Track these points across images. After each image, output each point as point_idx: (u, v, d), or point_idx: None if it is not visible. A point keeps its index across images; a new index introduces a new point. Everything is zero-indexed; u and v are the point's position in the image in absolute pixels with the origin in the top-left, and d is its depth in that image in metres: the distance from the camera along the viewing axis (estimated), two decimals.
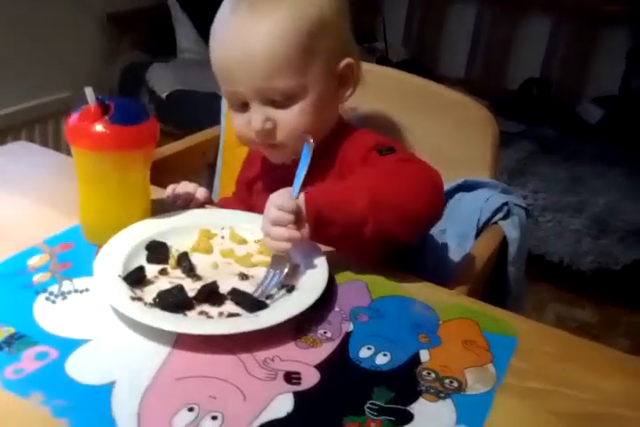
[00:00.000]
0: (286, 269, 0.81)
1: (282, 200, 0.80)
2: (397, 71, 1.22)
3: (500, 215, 1.12)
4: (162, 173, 1.11)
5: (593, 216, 1.92)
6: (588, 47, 2.65)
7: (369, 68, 1.04)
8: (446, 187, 1.13)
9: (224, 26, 0.93)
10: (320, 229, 0.82)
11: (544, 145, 2.29)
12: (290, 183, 0.98)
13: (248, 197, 1.10)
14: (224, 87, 0.95)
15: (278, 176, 1.02)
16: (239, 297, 0.78)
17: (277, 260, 0.82)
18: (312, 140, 0.85)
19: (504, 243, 1.11)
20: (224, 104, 1.35)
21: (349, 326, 0.77)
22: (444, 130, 1.15)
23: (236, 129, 0.97)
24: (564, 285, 2.04)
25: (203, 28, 2.62)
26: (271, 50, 0.88)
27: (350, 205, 0.81)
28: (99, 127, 0.82)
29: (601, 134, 2.37)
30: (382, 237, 0.83)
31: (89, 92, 0.83)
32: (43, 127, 2.48)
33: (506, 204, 1.12)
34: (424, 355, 0.74)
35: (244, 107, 0.94)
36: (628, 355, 0.79)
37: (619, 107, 2.44)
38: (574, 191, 2.01)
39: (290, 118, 0.92)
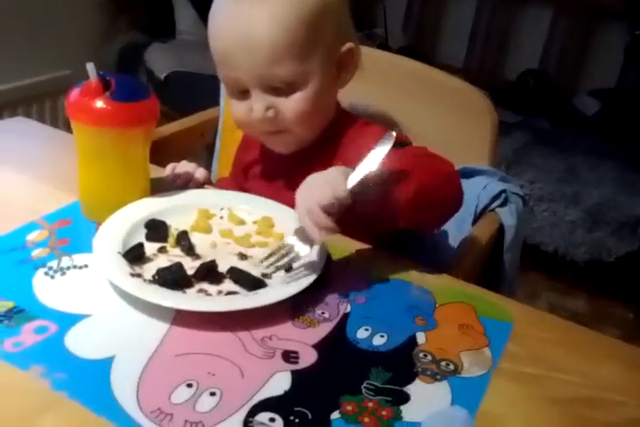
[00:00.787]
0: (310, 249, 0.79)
1: (342, 189, 0.75)
2: (398, 56, 1.22)
3: (498, 203, 1.13)
4: (160, 153, 1.11)
5: (587, 208, 1.93)
6: (587, 40, 2.65)
7: (369, 53, 1.04)
8: None
9: (225, 10, 0.91)
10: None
11: (540, 136, 2.30)
12: (287, 172, 0.98)
13: (244, 181, 1.09)
14: (224, 73, 0.93)
15: (276, 163, 1.02)
16: (238, 276, 0.78)
17: (302, 236, 0.79)
18: (394, 133, 0.80)
19: (501, 230, 1.12)
20: (223, 85, 1.34)
21: (347, 308, 0.77)
22: (444, 116, 1.15)
23: (237, 117, 0.95)
24: (558, 275, 2.05)
25: (202, 9, 2.61)
26: (273, 36, 0.87)
27: (392, 204, 0.80)
28: (99, 103, 0.82)
29: (596, 127, 2.38)
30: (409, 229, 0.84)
31: (90, 68, 0.83)
32: (40, 105, 2.46)
33: (503, 191, 1.13)
34: (420, 337, 0.74)
35: (244, 94, 0.92)
36: (620, 341, 0.81)
37: (615, 100, 2.44)
38: (569, 182, 2.02)
39: (292, 106, 0.90)
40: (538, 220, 1.97)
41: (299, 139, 0.95)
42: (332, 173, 0.78)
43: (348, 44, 0.95)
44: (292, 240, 0.80)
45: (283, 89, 0.90)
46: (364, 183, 0.77)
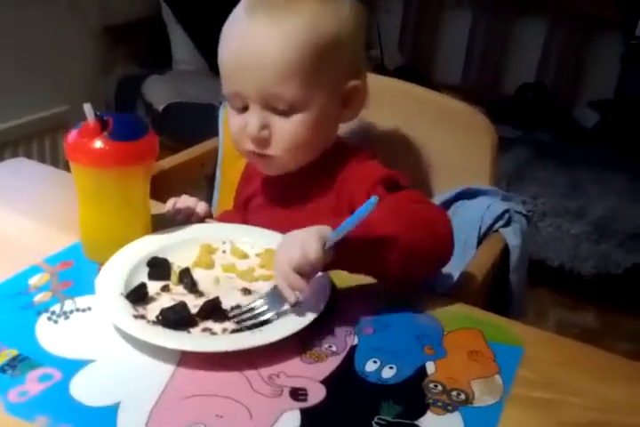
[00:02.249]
0: (283, 308, 0.78)
1: (315, 253, 0.73)
2: (394, 80, 1.22)
3: (502, 223, 1.12)
4: (161, 187, 1.11)
5: (592, 221, 1.92)
6: (583, 51, 2.65)
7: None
8: (447, 195, 1.14)
9: (238, 26, 0.91)
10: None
11: (541, 150, 2.29)
12: (286, 203, 0.98)
13: (245, 214, 1.09)
14: (227, 87, 0.93)
15: (275, 194, 1.02)
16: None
17: (277, 294, 0.78)
18: (378, 198, 0.75)
19: (505, 250, 1.11)
20: (221, 115, 1.34)
21: (354, 340, 0.77)
22: (443, 138, 1.15)
23: (232, 130, 0.95)
24: (566, 290, 2.03)
25: (198, 38, 2.63)
26: (284, 55, 0.86)
27: (380, 261, 0.79)
28: (98, 143, 0.82)
29: (597, 138, 2.37)
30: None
31: (87, 109, 0.83)
32: (40, 142, 2.46)
33: (507, 211, 1.12)
34: (430, 367, 0.73)
35: (243, 109, 0.92)
36: (630, 361, 0.79)
37: (614, 111, 2.44)
38: (573, 196, 2.01)
39: (287, 128, 0.90)
40: (542, 235, 1.96)
41: (282, 165, 0.95)
42: (307, 233, 0.76)
43: (355, 82, 0.94)
44: (268, 297, 0.79)
45: (282, 110, 0.89)
46: (345, 243, 0.75)
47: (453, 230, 0.85)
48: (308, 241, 0.74)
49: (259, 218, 1.02)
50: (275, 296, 0.78)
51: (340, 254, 0.77)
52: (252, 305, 0.78)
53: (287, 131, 0.90)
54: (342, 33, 0.90)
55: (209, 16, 2.58)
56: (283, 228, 0.88)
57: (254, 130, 0.90)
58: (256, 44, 0.87)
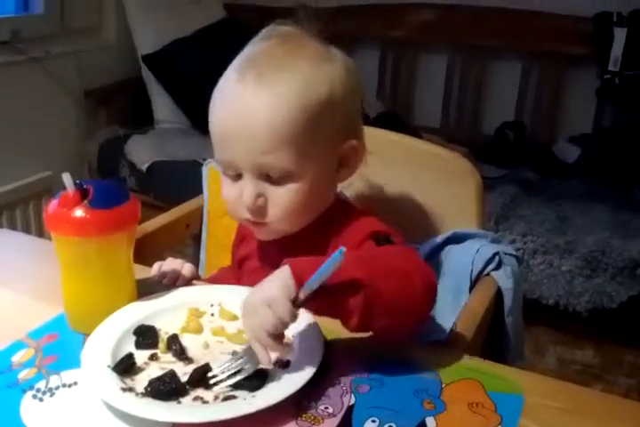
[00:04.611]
0: (256, 368, 0.76)
1: (284, 313, 0.72)
2: (376, 129, 1.22)
3: (493, 266, 1.11)
4: (146, 249, 1.11)
5: (582, 255, 1.91)
6: (559, 88, 2.69)
7: None
8: (435, 241, 1.13)
9: (227, 92, 0.88)
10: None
11: (526, 187, 2.30)
12: (277, 266, 0.96)
13: (240, 275, 1.07)
14: (219, 155, 0.90)
15: (271, 256, 0.98)
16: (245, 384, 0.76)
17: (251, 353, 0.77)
18: (345, 249, 0.74)
19: (499, 293, 1.10)
20: (205, 172, 1.34)
21: (351, 399, 0.75)
22: (428, 184, 1.15)
23: (228, 200, 0.92)
24: (563, 327, 2.01)
25: (179, 97, 2.66)
26: (273, 124, 0.84)
27: (342, 302, 0.76)
28: (79, 212, 0.81)
29: (580, 172, 2.39)
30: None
31: (67, 178, 0.82)
32: (24, 209, 2.46)
33: (497, 254, 1.11)
34: (430, 423, 0.71)
35: (237, 177, 0.89)
36: (633, 401, 0.78)
37: (594, 144, 2.46)
38: (561, 231, 2.00)
39: (283, 196, 0.88)
40: (535, 273, 1.94)
41: (279, 231, 0.93)
42: (274, 292, 0.74)
43: (352, 142, 0.92)
44: (243, 356, 0.77)
45: (276, 178, 0.87)
46: (313, 293, 0.74)
47: (436, 285, 0.82)
48: (277, 303, 0.73)
49: (254, 280, 0.99)
50: (251, 354, 0.76)
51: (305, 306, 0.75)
52: (227, 364, 0.77)
53: (282, 199, 0.88)
54: (335, 93, 0.88)
55: (188, 74, 2.63)
56: None
57: (250, 200, 0.87)
58: (246, 114, 0.85)
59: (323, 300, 0.76)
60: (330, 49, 0.92)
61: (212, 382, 0.75)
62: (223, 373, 0.76)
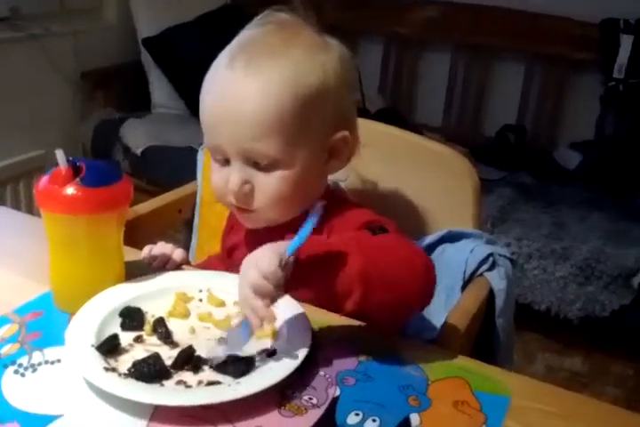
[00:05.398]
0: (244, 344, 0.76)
1: (268, 266, 0.71)
2: (376, 123, 1.21)
3: (486, 267, 1.10)
4: (137, 233, 1.09)
5: (577, 262, 1.90)
6: (562, 93, 2.68)
7: None
8: (430, 238, 1.12)
9: (217, 78, 0.88)
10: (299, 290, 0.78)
11: (524, 191, 2.29)
12: None
13: (229, 264, 1.05)
14: (208, 140, 0.90)
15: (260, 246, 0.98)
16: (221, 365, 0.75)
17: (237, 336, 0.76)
18: (324, 203, 0.76)
19: (491, 294, 1.09)
20: (200, 158, 1.33)
21: (336, 391, 0.74)
22: (426, 181, 1.14)
23: (215, 185, 0.92)
24: (553, 334, 2.01)
25: (178, 82, 2.64)
26: (261, 111, 0.83)
27: (340, 276, 0.75)
28: (70, 190, 0.80)
29: (580, 179, 2.38)
30: (361, 315, 0.79)
31: (59, 154, 0.81)
32: (14, 186, 2.45)
33: (491, 254, 1.11)
34: (414, 419, 0.71)
35: (225, 162, 0.89)
36: (621, 409, 0.78)
37: (595, 151, 2.46)
38: (557, 237, 2.00)
39: (270, 183, 0.87)
40: (528, 278, 1.94)
41: (265, 219, 0.92)
42: (260, 251, 0.74)
43: (343, 133, 0.90)
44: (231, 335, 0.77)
45: (263, 165, 0.86)
46: (304, 262, 0.74)
47: (434, 267, 0.81)
48: (261, 258, 0.72)
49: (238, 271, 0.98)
50: (233, 336, 0.76)
51: (299, 271, 0.74)
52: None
53: (269, 186, 0.87)
54: (327, 81, 0.87)
55: (188, 60, 2.61)
56: None
57: (235, 186, 0.86)
58: (234, 99, 0.84)
59: (319, 275, 0.75)
60: (325, 38, 0.91)
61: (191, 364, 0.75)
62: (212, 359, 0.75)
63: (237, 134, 0.85)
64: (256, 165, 0.87)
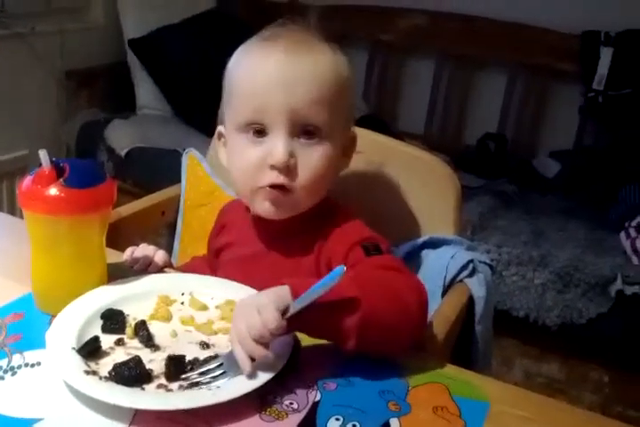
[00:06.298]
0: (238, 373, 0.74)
1: (273, 319, 0.71)
2: (359, 129, 1.22)
3: (466, 273, 1.11)
4: (120, 235, 1.09)
5: (556, 270, 1.92)
6: (542, 103, 2.70)
7: None
8: (412, 244, 1.13)
9: (258, 51, 0.89)
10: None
11: (504, 199, 2.30)
12: (262, 257, 0.94)
13: (216, 266, 1.05)
14: (243, 110, 0.88)
15: (253, 251, 0.97)
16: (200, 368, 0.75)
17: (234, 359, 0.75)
18: (344, 269, 0.73)
19: (470, 301, 1.10)
20: (185, 161, 1.33)
21: (316, 396, 0.74)
22: (407, 186, 1.14)
23: (248, 163, 0.88)
24: (531, 340, 2.02)
25: (163, 83, 2.63)
26: (321, 76, 0.86)
27: (339, 328, 0.76)
28: (53, 190, 0.79)
29: (559, 188, 2.40)
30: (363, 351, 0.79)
31: (43, 155, 0.80)
32: None
33: (471, 261, 1.11)
34: (394, 424, 0.71)
35: (259, 134, 0.87)
36: (597, 414, 0.79)
37: (574, 161, 2.48)
38: (536, 245, 2.01)
39: (313, 155, 0.86)
40: (507, 284, 1.95)
41: (299, 204, 0.90)
42: (265, 300, 0.73)
43: (353, 132, 0.95)
44: (224, 360, 0.75)
45: (307, 137, 0.86)
46: (306, 310, 0.73)
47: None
48: (266, 310, 0.72)
49: (231, 270, 0.98)
50: (231, 360, 0.74)
51: (298, 318, 0.74)
52: (207, 368, 0.75)
53: (312, 161, 0.87)
54: (351, 80, 0.92)
55: (174, 62, 2.60)
56: (256, 285, 0.85)
57: (284, 157, 0.84)
58: (291, 63, 0.86)
59: (318, 320, 0.75)
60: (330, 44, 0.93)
61: (187, 381, 0.73)
62: (202, 375, 0.74)
63: (295, 96, 0.85)
64: (299, 137, 0.86)
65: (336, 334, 0.77)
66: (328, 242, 0.91)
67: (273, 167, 0.86)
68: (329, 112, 0.87)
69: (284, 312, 0.72)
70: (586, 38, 2.51)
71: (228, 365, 0.74)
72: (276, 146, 0.85)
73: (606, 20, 2.48)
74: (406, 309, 0.79)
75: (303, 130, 0.86)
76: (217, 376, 0.74)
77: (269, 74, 0.86)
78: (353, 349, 0.77)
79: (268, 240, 0.96)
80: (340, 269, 0.71)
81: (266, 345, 0.73)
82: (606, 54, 2.47)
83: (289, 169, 0.86)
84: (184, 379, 0.73)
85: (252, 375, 0.73)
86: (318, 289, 0.72)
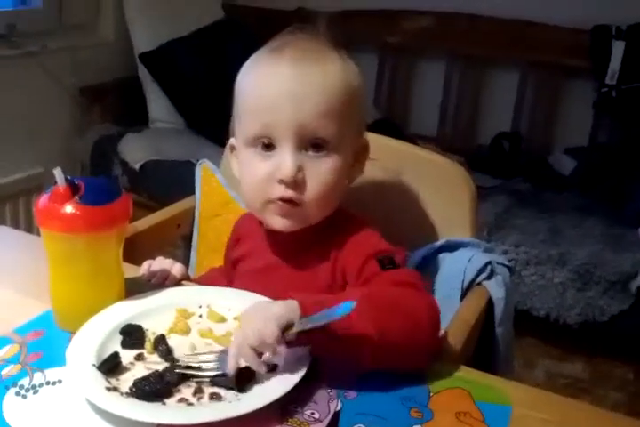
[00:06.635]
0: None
1: (271, 335, 0.72)
2: (372, 134, 1.22)
3: (484, 275, 1.10)
4: (136, 249, 1.09)
5: (575, 268, 1.90)
6: (556, 99, 2.68)
7: None
8: (428, 248, 1.13)
9: (265, 63, 0.89)
10: None
11: (520, 198, 2.29)
12: (277, 268, 0.94)
13: (234, 277, 1.05)
14: (252, 124, 0.88)
15: (269, 262, 0.97)
16: (220, 380, 0.75)
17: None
18: (355, 305, 0.72)
19: (490, 303, 1.09)
20: (198, 173, 1.33)
21: (337, 405, 0.74)
22: (423, 190, 1.14)
23: (257, 177, 0.88)
24: (552, 339, 2.00)
25: (174, 96, 2.64)
26: (329, 87, 0.85)
27: (351, 350, 0.77)
28: (69, 208, 0.80)
29: (575, 185, 2.38)
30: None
31: (58, 173, 0.81)
32: (14, 204, 2.44)
33: (489, 263, 1.11)
34: None
35: (267, 148, 0.87)
36: (620, 415, 0.78)
37: (590, 157, 2.46)
38: (554, 243, 2.00)
39: (321, 169, 0.86)
40: (527, 284, 1.94)
41: (307, 216, 0.90)
42: (269, 314, 0.74)
43: (365, 140, 0.94)
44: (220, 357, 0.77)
45: (315, 150, 0.86)
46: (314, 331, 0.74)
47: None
48: (267, 324, 0.73)
49: (247, 282, 0.98)
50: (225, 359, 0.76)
51: (309, 339, 0.75)
52: (201, 364, 0.77)
53: (320, 174, 0.86)
54: (362, 88, 0.92)
55: (185, 74, 2.62)
56: (273, 296, 0.84)
57: (291, 171, 0.84)
58: (300, 74, 0.85)
59: (330, 342, 0.76)
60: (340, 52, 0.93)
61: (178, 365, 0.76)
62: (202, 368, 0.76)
63: (303, 109, 0.84)
64: (307, 150, 0.86)
65: (348, 355, 0.77)
66: (343, 250, 0.91)
67: (281, 182, 0.86)
68: (338, 124, 0.86)
69: (287, 327, 0.73)
70: (596, 33, 2.49)
71: (222, 361, 0.76)
72: (284, 160, 0.85)
73: (616, 14, 2.46)
74: (419, 328, 0.79)
75: (311, 143, 0.86)
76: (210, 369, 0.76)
77: (276, 88, 0.86)
78: (366, 367, 0.78)
79: (282, 252, 0.96)
80: (350, 304, 0.71)
81: (260, 355, 0.74)
82: (618, 48, 2.45)
83: (297, 183, 0.86)
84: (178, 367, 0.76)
85: (270, 387, 0.73)
86: (324, 318, 0.73)
